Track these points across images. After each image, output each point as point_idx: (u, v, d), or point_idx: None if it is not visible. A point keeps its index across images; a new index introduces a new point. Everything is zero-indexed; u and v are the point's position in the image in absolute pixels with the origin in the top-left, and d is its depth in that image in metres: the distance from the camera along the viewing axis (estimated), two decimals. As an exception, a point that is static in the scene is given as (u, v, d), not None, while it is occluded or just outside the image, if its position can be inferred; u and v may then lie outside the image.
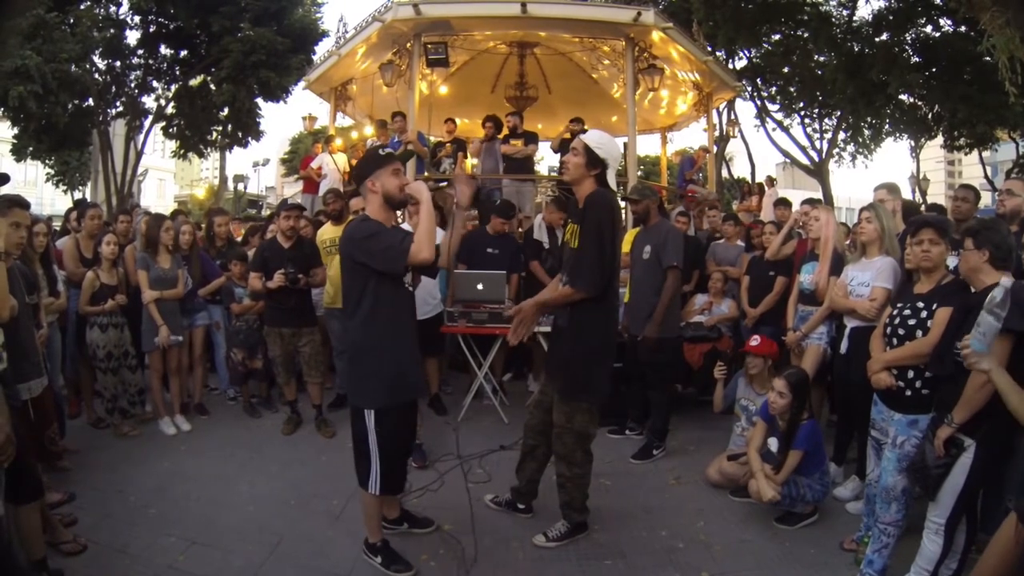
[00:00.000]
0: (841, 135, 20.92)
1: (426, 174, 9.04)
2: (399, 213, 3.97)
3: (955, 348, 2.74)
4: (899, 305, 3.29)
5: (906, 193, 5.10)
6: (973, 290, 2.90)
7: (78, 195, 23.19)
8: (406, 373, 3.32)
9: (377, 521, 3.41)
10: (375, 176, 3.22)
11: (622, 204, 7.23)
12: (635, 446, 5.09)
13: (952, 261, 3.35)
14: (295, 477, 4.52)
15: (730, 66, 17.42)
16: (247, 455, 4.93)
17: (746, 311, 5.83)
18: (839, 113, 19.55)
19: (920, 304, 3.16)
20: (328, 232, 5.78)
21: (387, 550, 3.35)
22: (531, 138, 9.19)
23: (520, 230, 7.95)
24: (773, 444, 3.93)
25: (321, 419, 5.50)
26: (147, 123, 19.65)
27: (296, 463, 4.79)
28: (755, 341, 4.62)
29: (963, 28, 15.07)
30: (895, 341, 3.23)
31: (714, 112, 13.66)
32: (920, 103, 17.87)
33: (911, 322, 3.16)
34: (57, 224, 7.40)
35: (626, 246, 5.38)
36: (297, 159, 26.12)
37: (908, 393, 3.15)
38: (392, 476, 3.33)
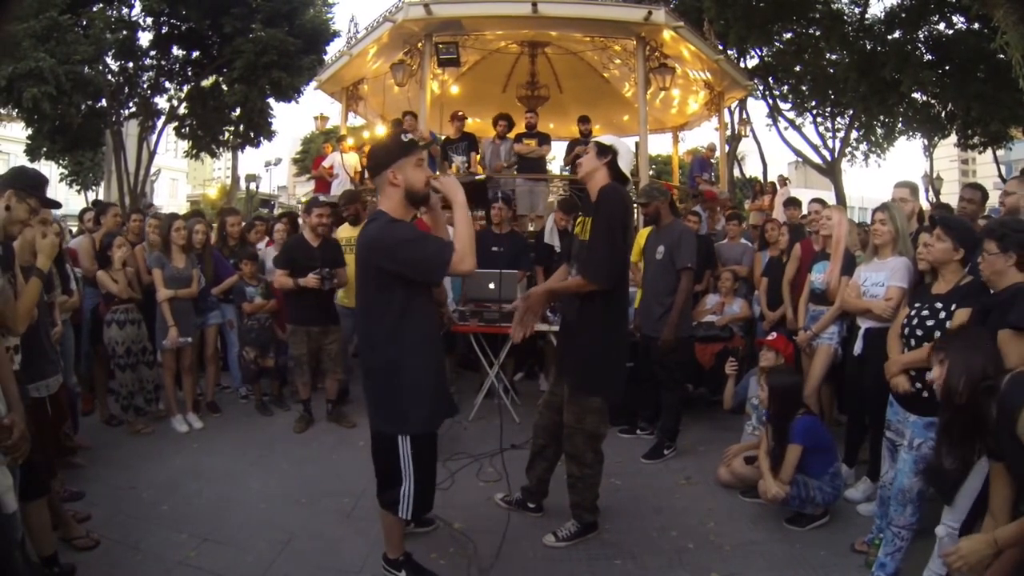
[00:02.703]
0: (854, 134, 20.86)
1: (437, 172, 9.02)
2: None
3: None
4: (916, 305, 3.26)
5: (920, 193, 5.05)
6: (992, 291, 2.88)
7: (92, 195, 23.37)
8: (442, 389, 3.05)
9: (399, 537, 3.14)
10: (397, 167, 2.81)
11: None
12: (646, 446, 5.08)
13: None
14: (306, 475, 4.54)
15: (741, 65, 17.37)
16: (258, 453, 4.95)
17: (765, 314, 5.79)
18: (852, 112, 19.47)
19: (938, 304, 3.13)
20: (344, 231, 5.80)
21: (411, 564, 3.15)
22: (544, 139, 9.17)
23: (532, 229, 7.94)
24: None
25: (337, 412, 5.57)
26: (160, 123, 19.81)
27: (307, 461, 4.81)
28: (773, 336, 4.62)
29: (976, 25, 14.97)
30: (913, 342, 3.20)
31: (726, 111, 13.61)
32: (933, 101, 17.78)
33: (929, 322, 3.13)
34: (73, 225, 7.46)
35: (639, 246, 5.38)
36: (309, 159, 26.23)
37: (925, 395, 3.11)
38: (425, 497, 3.00)
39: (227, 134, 20.89)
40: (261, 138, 20.69)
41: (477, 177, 8.43)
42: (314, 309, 5.37)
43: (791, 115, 20.81)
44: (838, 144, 20.61)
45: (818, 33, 17.87)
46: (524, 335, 3.43)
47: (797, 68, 19.39)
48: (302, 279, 5.19)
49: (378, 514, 3.20)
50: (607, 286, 3.38)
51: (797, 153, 21.62)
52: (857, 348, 4.10)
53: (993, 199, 5.98)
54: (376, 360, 2.90)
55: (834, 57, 18.29)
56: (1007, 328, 2.57)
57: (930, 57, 16.42)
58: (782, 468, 3.77)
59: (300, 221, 7.54)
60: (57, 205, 3.53)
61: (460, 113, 9.24)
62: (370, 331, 2.94)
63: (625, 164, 3.53)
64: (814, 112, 20.58)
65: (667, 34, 8.76)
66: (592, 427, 3.56)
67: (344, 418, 5.55)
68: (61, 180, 22.22)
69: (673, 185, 11.39)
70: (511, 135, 9.16)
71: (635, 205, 7.13)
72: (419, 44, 9.06)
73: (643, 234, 5.78)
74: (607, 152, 3.49)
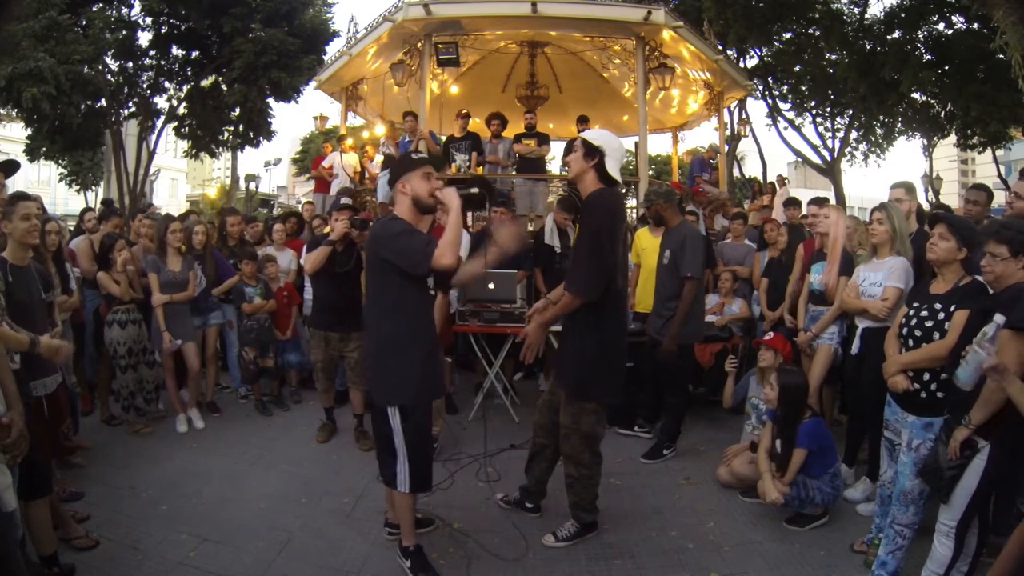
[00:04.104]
0: (853, 134, 20.85)
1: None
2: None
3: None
4: (915, 305, 3.25)
5: (919, 193, 5.08)
6: (992, 292, 2.87)
7: (92, 195, 23.40)
8: (430, 370, 3.28)
9: (410, 524, 3.33)
10: (406, 178, 3.22)
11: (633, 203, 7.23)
12: (645, 446, 5.08)
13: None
14: (305, 475, 4.54)
15: (741, 65, 17.37)
16: (258, 453, 4.95)
17: (765, 314, 5.79)
18: (851, 112, 19.46)
19: (937, 305, 3.11)
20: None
21: (418, 556, 3.28)
22: (543, 139, 9.17)
23: (531, 229, 7.93)
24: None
25: (361, 430, 5.12)
26: (159, 123, 19.79)
27: (306, 461, 4.81)
28: (770, 336, 4.62)
29: (976, 25, 14.97)
30: (911, 342, 3.18)
31: (725, 111, 13.61)
32: (933, 101, 17.75)
33: (928, 323, 3.12)
34: (71, 223, 7.46)
35: (647, 244, 5.37)
36: (308, 158, 26.25)
37: (923, 395, 3.11)
38: (421, 473, 3.25)
39: (227, 134, 20.83)
40: (261, 138, 20.62)
41: (472, 190, 8.40)
42: (334, 312, 4.99)
43: (791, 115, 20.79)
44: (838, 144, 20.61)
45: (818, 33, 17.86)
46: (537, 355, 3.67)
47: (797, 68, 19.36)
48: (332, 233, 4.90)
49: (389, 504, 3.43)
50: (591, 299, 3.40)
51: (797, 153, 21.60)
52: (855, 347, 4.10)
53: (995, 199, 5.97)
54: (374, 340, 3.28)
55: (834, 57, 18.26)
56: (1008, 328, 2.57)
57: (929, 57, 16.40)
58: (787, 472, 3.78)
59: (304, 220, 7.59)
60: (15, 165, 3.39)
61: (465, 112, 9.20)
62: (371, 315, 3.29)
63: (616, 161, 3.49)
64: (814, 112, 20.56)
65: (667, 34, 8.76)
66: (588, 428, 3.57)
67: (364, 438, 4.98)
68: (61, 180, 22.30)
69: (676, 183, 11.37)
70: (507, 134, 9.17)
71: (631, 206, 7.19)
72: (419, 44, 9.05)
73: (640, 235, 5.79)
74: (595, 154, 3.46)
